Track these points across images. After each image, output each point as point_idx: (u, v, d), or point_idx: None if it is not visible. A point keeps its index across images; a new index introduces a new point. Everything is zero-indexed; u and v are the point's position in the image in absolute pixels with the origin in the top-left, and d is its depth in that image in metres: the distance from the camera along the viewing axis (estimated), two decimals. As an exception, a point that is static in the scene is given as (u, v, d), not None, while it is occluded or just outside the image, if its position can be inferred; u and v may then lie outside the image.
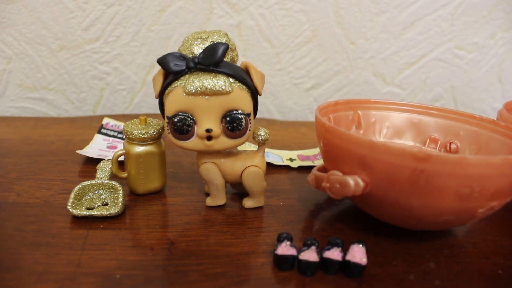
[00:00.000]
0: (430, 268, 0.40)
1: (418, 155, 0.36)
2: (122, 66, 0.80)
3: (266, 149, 0.64)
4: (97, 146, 0.61)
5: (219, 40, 0.43)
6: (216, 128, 0.43)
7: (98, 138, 0.64)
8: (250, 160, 0.46)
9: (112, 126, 0.66)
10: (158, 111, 0.65)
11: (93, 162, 0.58)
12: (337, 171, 0.41)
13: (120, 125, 0.67)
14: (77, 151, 0.59)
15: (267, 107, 0.87)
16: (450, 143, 0.54)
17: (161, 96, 0.44)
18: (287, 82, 0.84)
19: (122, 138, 0.64)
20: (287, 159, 0.62)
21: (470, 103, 0.90)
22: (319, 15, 0.80)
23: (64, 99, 0.81)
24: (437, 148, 0.54)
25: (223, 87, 0.41)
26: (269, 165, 0.60)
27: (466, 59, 0.86)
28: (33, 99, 0.81)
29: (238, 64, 0.45)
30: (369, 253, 0.40)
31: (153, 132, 0.48)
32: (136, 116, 0.72)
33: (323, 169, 0.47)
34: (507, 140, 0.48)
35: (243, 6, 0.78)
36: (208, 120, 0.43)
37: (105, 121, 0.67)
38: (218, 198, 0.48)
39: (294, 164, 0.60)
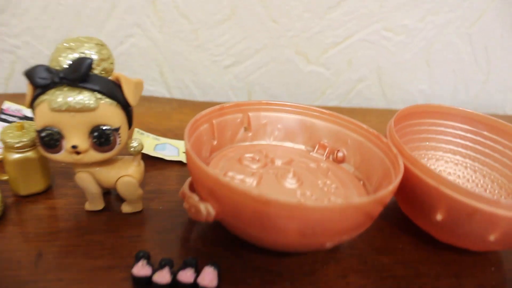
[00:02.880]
0: (284, 288, 0.42)
1: (258, 199, 0.35)
2: (33, 40, 0.77)
3: (164, 140, 0.64)
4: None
5: (88, 52, 0.42)
6: (84, 144, 0.43)
7: (-3, 124, 0.62)
8: (124, 170, 0.47)
9: (13, 111, 0.64)
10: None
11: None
12: (195, 195, 0.41)
13: (22, 109, 0.64)
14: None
15: (185, 83, 0.86)
16: (338, 151, 0.54)
17: (32, 106, 0.43)
18: (205, 59, 0.83)
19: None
20: (183, 152, 0.62)
21: (395, 84, 0.90)
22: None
23: (-27, 71, 0.79)
24: (325, 155, 0.55)
25: (88, 104, 0.41)
26: (163, 161, 0.60)
27: (393, 41, 0.86)
28: None
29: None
30: (229, 270, 0.42)
31: (27, 141, 0.47)
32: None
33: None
34: (385, 159, 0.48)
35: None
36: (75, 136, 0.42)
37: (5, 105, 0.64)
38: (95, 204, 0.49)
39: (188, 159, 0.60)
